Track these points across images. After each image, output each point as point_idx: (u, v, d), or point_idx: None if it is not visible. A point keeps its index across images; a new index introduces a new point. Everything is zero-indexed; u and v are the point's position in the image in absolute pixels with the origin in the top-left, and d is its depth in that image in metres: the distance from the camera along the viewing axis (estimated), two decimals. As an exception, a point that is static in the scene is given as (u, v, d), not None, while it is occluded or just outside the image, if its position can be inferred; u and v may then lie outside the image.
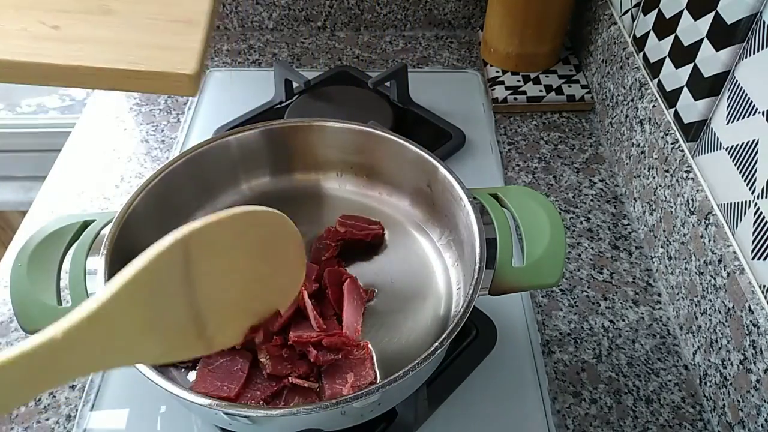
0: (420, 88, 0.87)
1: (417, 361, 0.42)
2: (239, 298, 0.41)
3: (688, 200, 0.60)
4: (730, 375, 0.53)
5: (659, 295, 0.66)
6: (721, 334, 0.54)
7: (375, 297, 0.56)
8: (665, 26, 0.67)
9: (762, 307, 0.49)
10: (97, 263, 0.49)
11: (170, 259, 0.36)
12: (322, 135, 0.62)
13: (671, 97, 0.66)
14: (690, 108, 0.62)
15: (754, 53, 0.52)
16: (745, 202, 0.53)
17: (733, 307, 0.52)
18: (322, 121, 0.61)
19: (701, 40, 0.60)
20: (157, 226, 0.57)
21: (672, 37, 0.66)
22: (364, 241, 0.60)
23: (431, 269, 0.59)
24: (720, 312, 0.54)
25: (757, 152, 0.51)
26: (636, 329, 0.63)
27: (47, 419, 0.56)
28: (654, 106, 0.69)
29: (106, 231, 0.51)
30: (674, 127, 0.65)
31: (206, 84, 0.92)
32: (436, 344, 0.43)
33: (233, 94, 0.90)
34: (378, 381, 0.47)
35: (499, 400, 0.57)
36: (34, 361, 0.30)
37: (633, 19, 0.77)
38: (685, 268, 0.61)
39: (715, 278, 0.55)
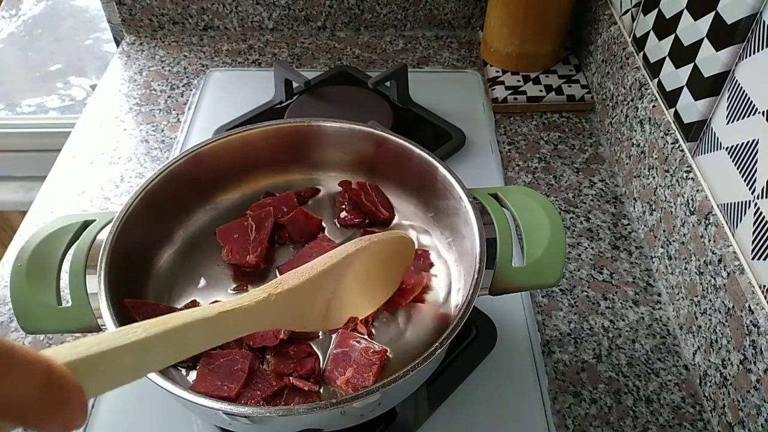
0: (420, 88, 0.87)
1: (417, 361, 0.42)
2: (356, 295, 0.50)
3: (688, 200, 0.60)
4: (730, 375, 0.53)
5: (659, 295, 0.66)
6: (721, 334, 0.54)
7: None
8: (665, 26, 0.67)
9: (762, 307, 0.49)
10: (97, 263, 0.49)
11: (346, 263, 0.47)
12: (322, 135, 0.62)
13: (671, 97, 0.66)
14: (690, 108, 0.62)
15: (754, 53, 0.53)
16: (745, 202, 0.53)
17: (733, 307, 0.52)
18: (322, 121, 0.61)
19: (701, 40, 0.60)
20: (157, 226, 0.57)
21: (672, 37, 0.66)
22: (369, 214, 0.61)
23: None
24: (720, 312, 0.54)
25: (757, 152, 0.51)
26: (636, 329, 0.63)
27: (47, 419, 0.56)
28: (654, 106, 0.69)
29: (106, 231, 0.51)
30: (674, 127, 0.65)
31: (206, 84, 0.92)
32: (436, 344, 0.43)
33: (233, 94, 0.90)
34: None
35: (499, 400, 0.57)
36: (246, 315, 0.39)
37: (633, 19, 0.77)
38: (685, 268, 0.61)
39: (715, 278, 0.55)
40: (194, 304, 0.55)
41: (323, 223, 0.62)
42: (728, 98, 0.56)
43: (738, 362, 0.51)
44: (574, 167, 0.80)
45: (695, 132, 0.61)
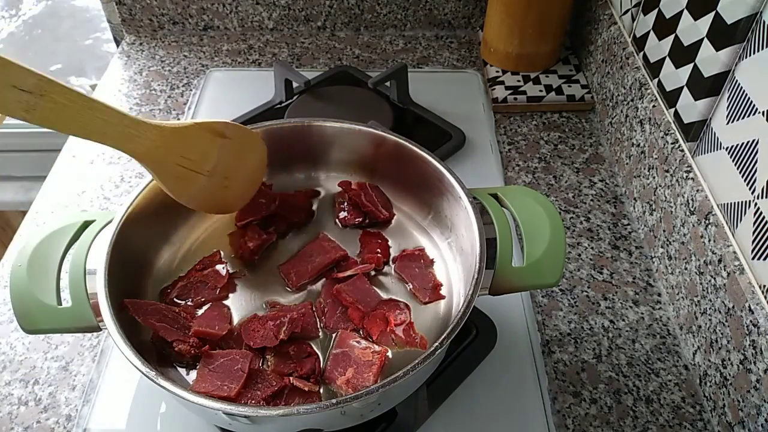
0: (420, 88, 0.87)
1: (417, 361, 0.42)
2: (231, 184, 0.56)
3: (688, 200, 0.60)
4: (730, 375, 0.53)
5: (659, 295, 0.66)
6: (721, 334, 0.54)
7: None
8: (665, 26, 0.67)
9: (762, 307, 0.49)
10: (97, 263, 0.49)
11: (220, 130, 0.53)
12: (322, 135, 0.62)
13: (671, 97, 0.66)
14: (690, 108, 0.62)
15: (754, 53, 0.53)
16: (745, 202, 0.53)
17: (733, 307, 0.52)
18: (322, 121, 0.61)
19: (701, 40, 0.60)
20: (157, 226, 0.57)
21: (672, 37, 0.66)
22: (368, 214, 0.61)
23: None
24: (720, 312, 0.54)
25: (757, 152, 0.51)
26: (636, 329, 0.63)
27: (47, 419, 0.56)
28: (654, 106, 0.69)
29: (107, 231, 0.51)
30: (674, 127, 0.65)
31: (206, 84, 0.92)
32: (436, 344, 0.43)
33: (233, 94, 0.90)
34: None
35: (499, 400, 0.57)
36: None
37: (633, 19, 0.77)
38: (685, 268, 0.61)
39: (715, 278, 0.55)
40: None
41: (323, 224, 0.62)
42: (728, 98, 0.56)
43: (738, 362, 0.51)
44: (574, 167, 0.80)
45: (695, 132, 0.61)
